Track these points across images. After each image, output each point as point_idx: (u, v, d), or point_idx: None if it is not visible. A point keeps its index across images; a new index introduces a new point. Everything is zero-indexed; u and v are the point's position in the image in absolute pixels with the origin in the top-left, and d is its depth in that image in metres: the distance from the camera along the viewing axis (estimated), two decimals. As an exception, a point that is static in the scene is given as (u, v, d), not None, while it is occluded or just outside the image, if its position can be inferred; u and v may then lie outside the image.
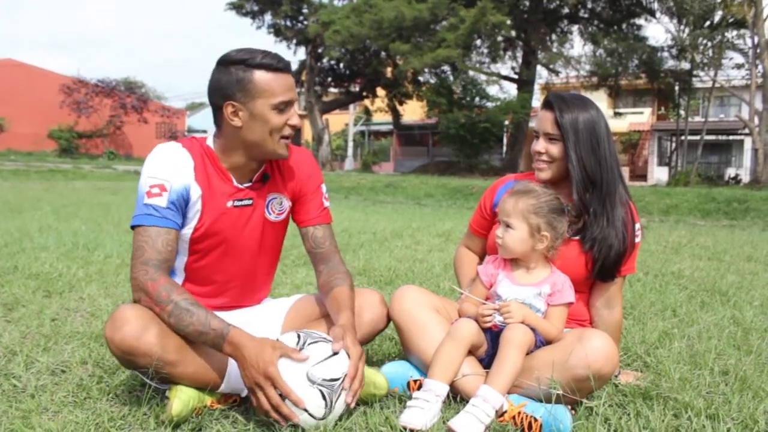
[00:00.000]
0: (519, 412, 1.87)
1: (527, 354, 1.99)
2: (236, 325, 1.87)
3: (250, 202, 2.10)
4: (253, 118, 1.96)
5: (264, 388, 1.77)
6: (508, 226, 2.13)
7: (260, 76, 1.93)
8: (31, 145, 31.03)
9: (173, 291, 1.87)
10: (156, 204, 1.93)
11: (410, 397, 1.94)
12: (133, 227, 1.95)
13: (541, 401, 1.92)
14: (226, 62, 1.96)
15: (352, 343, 1.89)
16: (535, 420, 1.83)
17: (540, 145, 2.22)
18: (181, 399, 1.83)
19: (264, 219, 2.15)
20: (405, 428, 1.80)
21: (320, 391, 1.78)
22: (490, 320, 2.07)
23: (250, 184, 2.10)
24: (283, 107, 1.97)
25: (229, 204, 2.06)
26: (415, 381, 2.11)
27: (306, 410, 1.77)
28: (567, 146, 2.16)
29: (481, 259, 2.41)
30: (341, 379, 1.81)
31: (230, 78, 1.94)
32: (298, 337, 1.87)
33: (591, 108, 2.20)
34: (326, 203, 2.28)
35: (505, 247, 2.14)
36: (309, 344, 1.84)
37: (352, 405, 1.84)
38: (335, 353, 1.84)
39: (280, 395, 1.76)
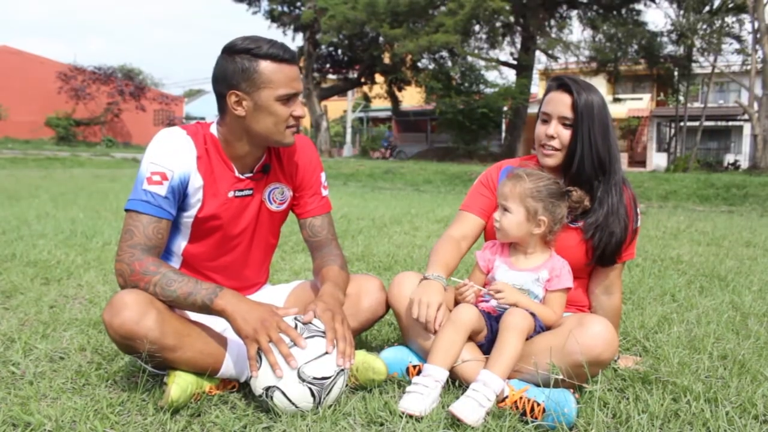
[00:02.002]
0: (521, 397, 1.87)
1: (527, 339, 1.98)
2: None
3: (250, 192, 2.10)
4: (258, 108, 1.94)
5: (268, 329, 1.78)
6: (505, 209, 2.11)
7: (266, 66, 1.90)
8: (28, 133, 30.93)
9: (161, 265, 1.88)
10: (155, 192, 1.92)
11: (410, 383, 1.93)
12: (126, 210, 1.94)
13: (539, 386, 1.92)
14: (231, 50, 1.93)
15: (322, 310, 1.89)
16: (538, 404, 1.83)
17: (552, 129, 2.14)
18: (180, 385, 1.83)
19: (263, 209, 2.15)
20: (404, 414, 1.80)
21: (309, 388, 1.79)
22: (469, 297, 2.07)
23: (251, 174, 2.09)
24: (287, 99, 1.95)
25: (230, 194, 2.06)
26: (415, 366, 2.10)
27: (294, 404, 1.78)
28: (581, 132, 2.10)
29: (471, 243, 2.33)
30: (332, 378, 1.81)
31: (235, 67, 1.91)
32: (295, 327, 1.84)
33: (598, 92, 2.15)
34: (325, 192, 2.28)
35: (502, 231, 2.14)
36: (305, 338, 1.81)
37: (346, 366, 1.84)
38: (328, 352, 1.82)
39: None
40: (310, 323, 1.85)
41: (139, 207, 1.91)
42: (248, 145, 2.03)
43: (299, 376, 1.77)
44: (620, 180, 2.19)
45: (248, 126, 1.97)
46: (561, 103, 2.12)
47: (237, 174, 2.06)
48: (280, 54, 1.91)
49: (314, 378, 1.78)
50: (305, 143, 2.24)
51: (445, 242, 2.24)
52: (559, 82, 2.16)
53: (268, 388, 1.78)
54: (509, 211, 2.11)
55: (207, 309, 1.84)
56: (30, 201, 8.08)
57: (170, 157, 1.95)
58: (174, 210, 1.97)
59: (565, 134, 2.13)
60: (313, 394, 1.79)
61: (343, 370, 1.83)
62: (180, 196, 1.97)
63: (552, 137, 2.14)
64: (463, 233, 2.28)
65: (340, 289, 2.08)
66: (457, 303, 2.14)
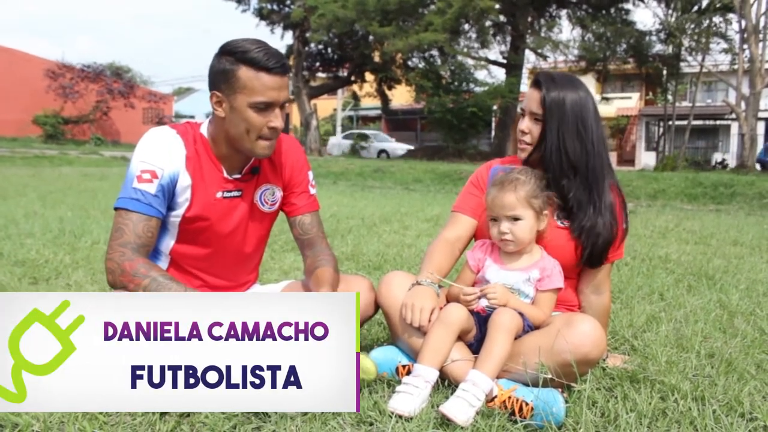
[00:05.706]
0: (509, 397, 1.87)
1: (516, 339, 1.99)
2: None
3: (239, 193, 2.09)
4: (233, 111, 1.93)
5: None
6: (515, 218, 2.08)
7: (245, 71, 1.89)
8: (16, 131, 30.66)
9: (152, 268, 1.87)
10: (145, 189, 1.92)
11: (399, 382, 1.94)
12: (116, 208, 1.94)
13: (528, 385, 1.92)
14: (222, 50, 1.93)
15: None
16: (526, 404, 1.84)
17: (524, 124, 2.17)
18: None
19: (253, 210, 2.15)
20: (394, 413, 1.80)
21: None
22: (474, 303, 2.07)
23: (239, 175, 2.09)
24: (262, 107, 1.92)
25: (219, 195, 2.05)
26: (404, 366, 2.11)
27: None
28: (549, 127, 2.11)
29: (465, 244, 2.34)
30: None
31: (219, 67, 1.92)
32: None
33: (580, 89, 2.15)
34: (313, 191, 2.28)
35: (517, 241, 2.10)
36: None
37: None
38: None
39: None
40: None
41: (129, 205, 1.91)
42: (230, 147, 2.03)
43: None
44: (604, 180, 2.17)
45: (226, 129, 1.98)
46: (531, 98, 2.16)
47: (225, 175, 2.06)
48: (262, 61, 1.88)
49: None
50: (292, 143, 2.24)
51: (440, 245, 2.25)
52: (534, 79, 2.19)
53: None
54: (520, 218, 2.08)
55: None
56: (18, 199, 8.02)
57: (160, 155, 1.95)
58: (164, 208, 1.97)
59: (536, 130, 2.15)
60: None
61: None
62: (169, 194, 1.97)
63: (524, 132, 2.17)
64: (457, 235, 2.29)
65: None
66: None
